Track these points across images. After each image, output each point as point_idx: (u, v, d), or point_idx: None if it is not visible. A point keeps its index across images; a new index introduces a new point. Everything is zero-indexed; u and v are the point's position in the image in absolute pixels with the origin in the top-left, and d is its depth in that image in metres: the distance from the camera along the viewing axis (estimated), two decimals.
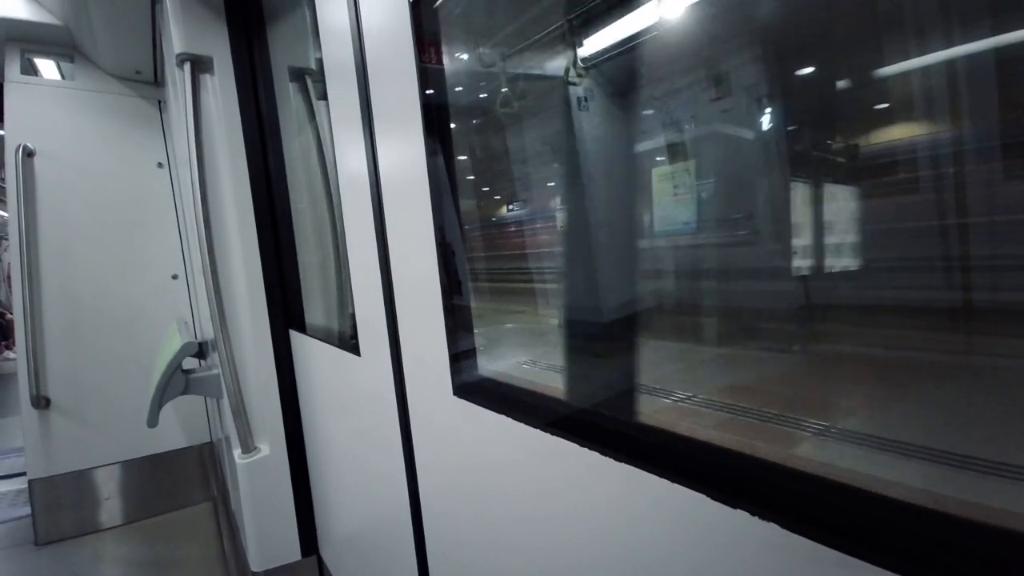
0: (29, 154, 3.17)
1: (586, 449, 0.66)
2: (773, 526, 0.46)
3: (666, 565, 0.58)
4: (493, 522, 0.91)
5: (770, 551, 0.46)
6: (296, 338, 2.04)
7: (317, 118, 1.90)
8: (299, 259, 2.11)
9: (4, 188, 3.53)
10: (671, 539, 0.56)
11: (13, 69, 3.19)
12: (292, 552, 2.09)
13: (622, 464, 0.61)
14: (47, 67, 3.43)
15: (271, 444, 2.03)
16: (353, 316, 1.45)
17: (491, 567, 0.94)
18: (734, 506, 0.49)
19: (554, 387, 0.92)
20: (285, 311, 2.09)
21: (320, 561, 2.14)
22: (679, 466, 0.56)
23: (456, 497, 1.03)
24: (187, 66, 1.89)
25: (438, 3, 0.98)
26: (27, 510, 3.24)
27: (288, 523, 2.08)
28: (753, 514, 0.47)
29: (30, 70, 3.32)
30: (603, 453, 0.64)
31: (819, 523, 0.44)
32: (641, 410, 0.87)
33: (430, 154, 0.96)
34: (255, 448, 2.01)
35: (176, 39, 1.88)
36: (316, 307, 2.06)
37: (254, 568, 2.03)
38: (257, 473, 2.00)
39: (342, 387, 1.63)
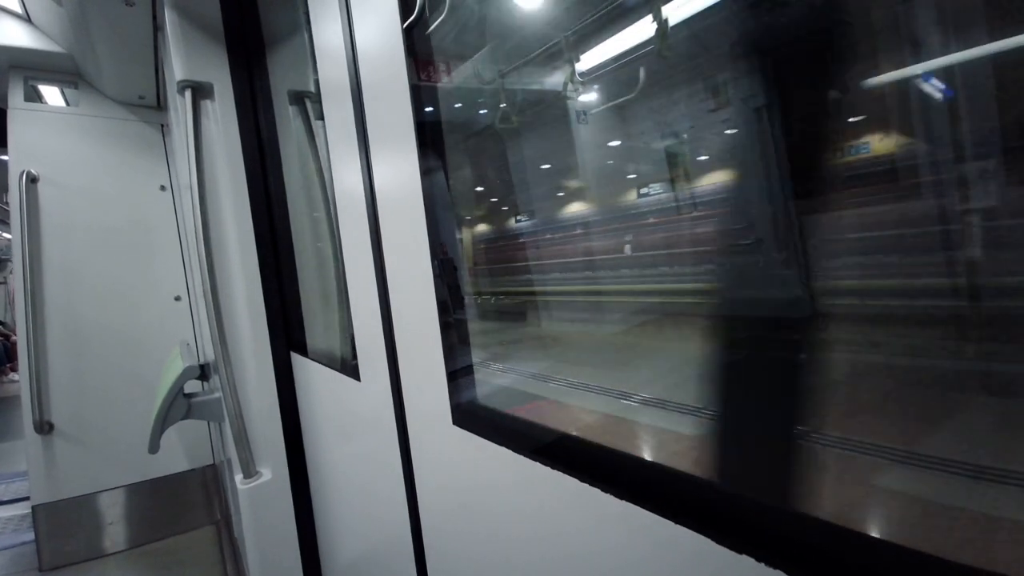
0: (33, 180, 3.20)
1: (586, 485, 0.64)
2: (780, 573, 0.44)
3: None
4: (493, 551, 0.89)
5: None
6: (297, 361, 2.03)
7: (316, 140, 1.91)
8: (300, 281, 2.10)
9: (8, 212, 3.56)
10: None
11: (17, 96, 3.24)
12: None
13: (624, 502, 0.59)
14: (51, 93, 3.47)
15: (273, 468, 2.01)
16: (353, 339, 1.44)
17: None
18: (739, 551, 0.47)
19: (552, 418, 0.91)
20: (286, 333, 2.08)
21: None
22: (682, 507, 0.54)
23: (456, 524, 1.01)
24: (188, 92, 1.91)
25: (431, 29, 0.98)
26: (31, 536, 3.22)
27: (290, 548, 2.05)
28: (759, 560, 0.46)
29: (34, 97, 3.36)
30: (604, 490, 0.62)
31: (828, 574, 0.42)
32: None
33: (424, 174, 0.96)
34: (257, 473, 1.99)
35: (177, 66, 1.90)
36: (317, 330, 2.05)
37: None
38: (259, 498, 1.97)
39: (343, 411, 1.62)
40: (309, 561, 2.08)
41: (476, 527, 0.93)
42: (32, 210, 3.18)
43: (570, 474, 0.67)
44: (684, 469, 0.58)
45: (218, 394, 2.10)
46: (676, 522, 0.53)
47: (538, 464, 0.73)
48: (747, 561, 0.46)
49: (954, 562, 0.38)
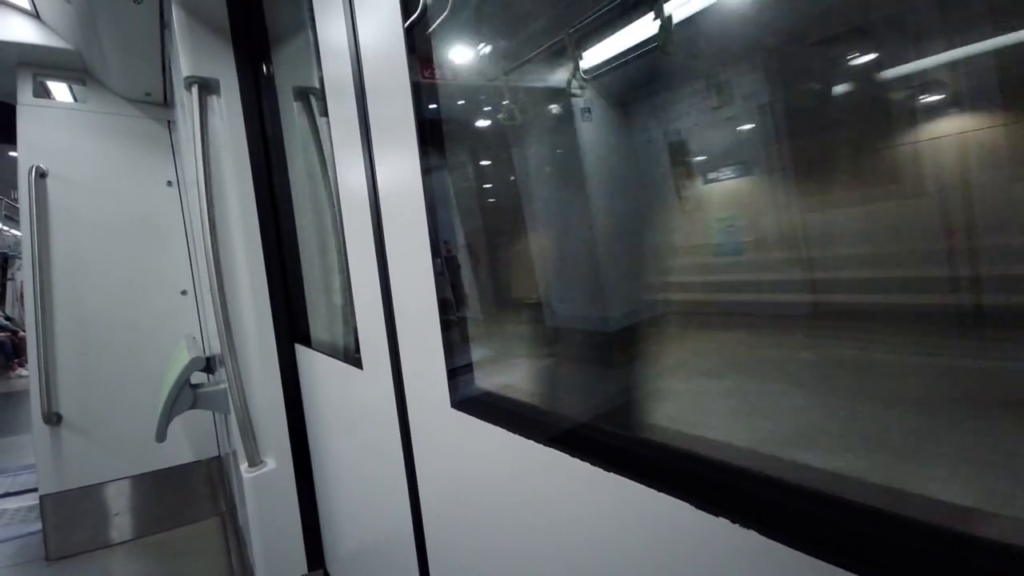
0: (42, 175, 3.24)
1: (577, 459, 0.68)
2: (752, 533, 0.47)
3: (654, 571, 0.59)
4: (492, 531, 0.92)
5: (749, 557, 0.48)
6: (301, 352, 2.07)
7: (320, 136, 1.94)
8: (304, 274, 2.14)
9: (18, 208, 3.60)
10: (658, 546, 0.58)
11: (26, 92, 3.28)
12: (299, 566, 2.10)
13: (611, 474, 0.62)
14: (59, 90, 3.52)
15: (277, 458, 2.05)
16: (356, 329, 1.47)
17: (491, 575, 0.95)
18: (716, 514, 0.50)
19: (546, 399, 0.94)
20: (290, 325, 2.12)
21: (326, 575, 2.15)
22: (663, 475, 0.57)
23: (455, 507, 1.04)
24: (194, 88, 1.94)
25: (431, 29, 1.01)
26: (38, 526, 3.27)
27: (294, 537, 2.09)
28: (733, 521, 0.49)
29: (42, 93, 3.40)
30: (593, 463, 0.65)
31: (795, 530, 0.45)
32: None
33: (425, 171, 0.99)
34: (261, 462, 2.03)
35: (184, 63, 1.94)
36: (320, 321, 2.09)
37: None
38: (263, 487, 2.01)
39: (346, 400, 1.65)
40: (312, 548, 2.11)
41: (473, 505, 0.96)
42: (41, 205, 3.23)
43: (561, 450, 0.71)
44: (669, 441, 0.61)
45: (223, 385, 2.14)
46: (659, 490, 0.56)
47: (531, 442, 0.76)
48: (723, 523, 0.50)
49: (918, 520, 0.41)
